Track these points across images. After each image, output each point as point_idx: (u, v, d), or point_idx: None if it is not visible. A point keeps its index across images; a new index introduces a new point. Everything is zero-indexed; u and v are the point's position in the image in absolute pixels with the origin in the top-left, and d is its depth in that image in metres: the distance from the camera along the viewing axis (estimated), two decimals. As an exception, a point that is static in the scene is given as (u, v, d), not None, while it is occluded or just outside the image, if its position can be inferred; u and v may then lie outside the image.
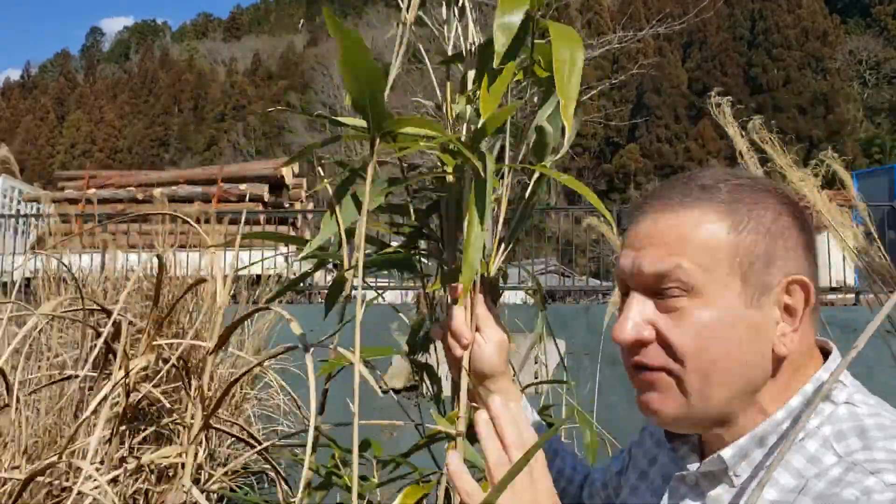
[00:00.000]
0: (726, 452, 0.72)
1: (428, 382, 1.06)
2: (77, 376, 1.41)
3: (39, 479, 1.39)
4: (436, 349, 1.09)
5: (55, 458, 1.04)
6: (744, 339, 0.71)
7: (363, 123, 0.79)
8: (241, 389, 3.17)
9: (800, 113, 49.63)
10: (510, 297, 9.52)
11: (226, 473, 2.37)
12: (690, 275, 0.71)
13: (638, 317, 0.74)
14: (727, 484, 0.73)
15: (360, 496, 0.99)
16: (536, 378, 5.77)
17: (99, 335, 0.99)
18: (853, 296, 8.44)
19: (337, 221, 0.87)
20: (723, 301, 0.71)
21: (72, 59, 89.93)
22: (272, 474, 2.32)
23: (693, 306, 0.71)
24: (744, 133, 1.83)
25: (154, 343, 1.03)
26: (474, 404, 0.94)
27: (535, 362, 6.02)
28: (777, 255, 0.72)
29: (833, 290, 8.60)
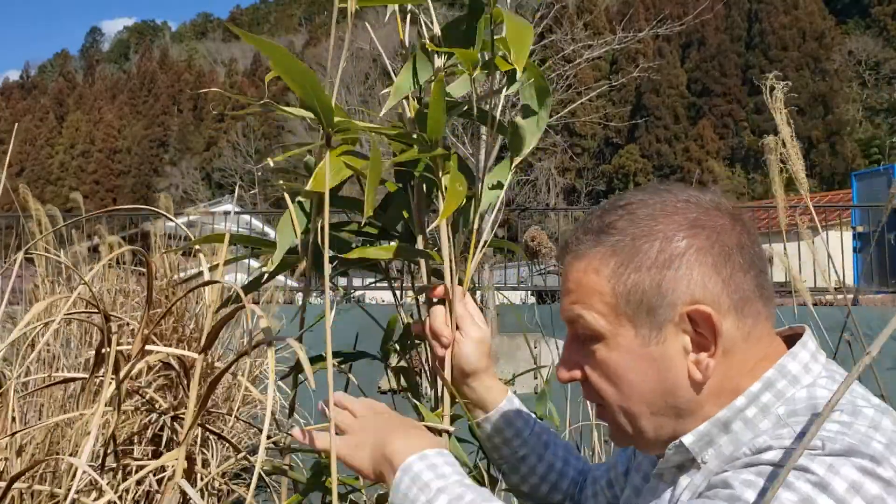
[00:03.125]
0: (687, 439, 0.73)
1: (405, 385, 1.07)
2: (74, 379, 1.41)
3: (36, 479, 1.39)
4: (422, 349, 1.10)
5: (46, 457, 1.04)
6: (651, 376, 0.73)
7: (308, 114, 0.81)
8: (240, 390, 3.17)
9: (798, 113, 49.67)
10: (509, 296, 9.51)
11: (221, 475, 2.37)
12: (590, 323, 0.75)
13: (566, 358, 0.79)
14: (695, 470, 0.74)
15: (344, 498, 0.99)
16: (536, 378, 5.76)
17: (107, 337, 0.99)
18: (852, 296, 8.45)
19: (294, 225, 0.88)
20: (622, 343, 0.74)
21: (71, 59, 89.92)
22: (268, 477, 2.32)
23: (601, 350, 0.75)
24: (792, 121, 1.79)
25: (146, 346, 1.03)
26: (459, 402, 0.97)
27: (535, 362, 5.99)
28: (666, 287, 0.71)
29: (833, 290, 8.59)
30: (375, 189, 0.77)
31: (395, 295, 1.07)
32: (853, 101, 48.49)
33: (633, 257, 0.73)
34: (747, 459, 0.65)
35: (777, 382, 0.72)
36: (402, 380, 1.08)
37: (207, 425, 2.39)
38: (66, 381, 1.51)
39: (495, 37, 0.88)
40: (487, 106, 0.96)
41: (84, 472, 0.86)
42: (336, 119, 0.80)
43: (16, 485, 0.98)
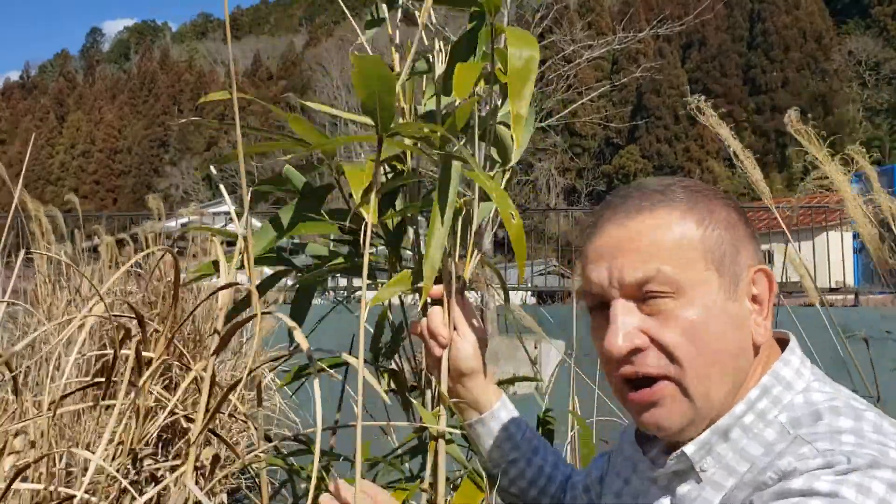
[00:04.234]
0: (689, 448, 0.73)
1: (394, 387, 1.06)
2: (95, 384, 1.41)
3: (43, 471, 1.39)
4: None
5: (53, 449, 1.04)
6: (729, 331, 0.72)
7: (368, 120, 0.81)
8: (239, 391, 3.17)
9: (799, 114, 49.55)
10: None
11: (226, 476, 2.36)
12: (672, 276, 0.71)
13: (627, 325, 0.72)
14: (695, 480, 0.74)
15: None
16: (539, 381, 5.74)
17: (125, 338, 0.99)
18: (853, 296, 8.45)
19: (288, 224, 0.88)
20: (705, 296, 0.72)
21: (71, 59, 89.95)
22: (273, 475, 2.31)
23: (678, 307, 0.71)
24: (735, 135, 1.84)
25: (167, 354, 1.02)
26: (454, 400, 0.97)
27: (534, 363, 5.99)
28: (739, 246, 0.75)
29: (833, 290, 8.61)
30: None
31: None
32: (853, 101, 48.47)
33: (710, 214, 0.74)
34: (776, 488, 0.63)
35: (772, 388, 0.73)
36: (397, 381, 1.08)
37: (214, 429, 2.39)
38: (87, 387, 1.51)
39: (495, 46, 0.88)
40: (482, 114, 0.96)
41: (95, 469, 0.86)
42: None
43: (17, 485, 0.98)
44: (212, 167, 0.98)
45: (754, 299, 0.74)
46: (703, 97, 1.83)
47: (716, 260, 0.72)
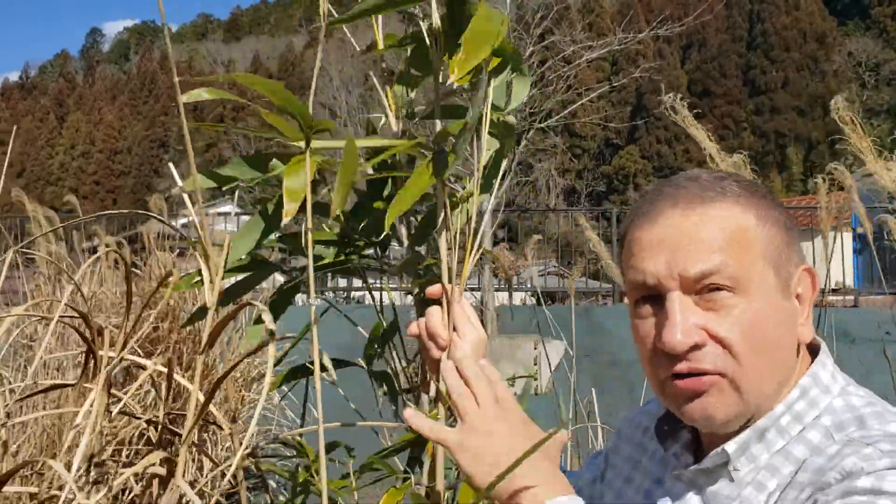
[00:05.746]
0: (730, 446, 0.72)
1: (385, 390, 1.05)
2: (61, 386, 1.40)
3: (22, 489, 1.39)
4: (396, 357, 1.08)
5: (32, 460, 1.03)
6: (783, 330, 0.72)
7: (294, 128, 0.80)
8: (240, 391, 3.16)
9: (798, 115, 49.65)
10: (508, 297, 9.51)
11: (222, 475, 2.36)
12: (735, 270, 0.70)
13: (686, 320, 0.70)
14: (726, 479, 0.73)
15: (335, 501, 0.98)
16: (536, 380, 5.75)
17: (86, 340, 0.98)
18: (852, 297, 8.46)
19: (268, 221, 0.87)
20: (763, 293, 0.71)
21: (71, 59, 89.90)
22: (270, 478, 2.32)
23: (738, 302, 0.70)
24: (711, 137, 1.83)
25: (126, 354, 1.02)
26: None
27: (535, 363, 5.99)
28: (790, 245, 0.74)
29: (833, 291, 8.60)
30: (348, 187, 0.76)
31: (372, 297, 1.07)
32: (853, 102, 48.46)
33: (766, 211, 0.74)
34: (841, 487, 0.62)
35: (810, 391, 0.73)
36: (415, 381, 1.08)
37: (204, 430, 2.39)
38: (53, 388, 1.50)
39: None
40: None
41: (72, 477, 0.86)
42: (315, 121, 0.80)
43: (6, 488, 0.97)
44: (170, 165, 0.97)
45: (797, 298, 0.74)
46: (679, 96, 1.82)
47: (773, 257, 0.72)
